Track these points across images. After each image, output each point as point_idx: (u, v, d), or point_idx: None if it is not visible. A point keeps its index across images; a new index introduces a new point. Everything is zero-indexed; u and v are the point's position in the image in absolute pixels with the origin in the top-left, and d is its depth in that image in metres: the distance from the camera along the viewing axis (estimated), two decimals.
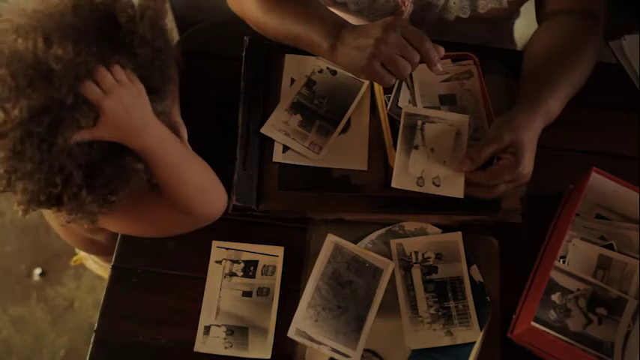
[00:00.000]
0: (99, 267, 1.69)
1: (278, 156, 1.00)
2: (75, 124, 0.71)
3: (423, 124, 0.94)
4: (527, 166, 0.89)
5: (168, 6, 1.65)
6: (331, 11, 0.99)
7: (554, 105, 0.94)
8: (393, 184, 0.91)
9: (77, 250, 1.67)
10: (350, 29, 0.91)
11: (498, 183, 0.89)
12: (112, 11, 0.75)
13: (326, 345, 0.89)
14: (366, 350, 0.90)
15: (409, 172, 0.91)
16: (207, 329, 0.91)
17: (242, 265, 0.95)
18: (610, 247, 0.94)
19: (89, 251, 1.48)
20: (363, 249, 0.95)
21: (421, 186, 0.91)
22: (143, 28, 0.75)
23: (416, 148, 0.93)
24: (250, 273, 0.94)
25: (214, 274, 0.94)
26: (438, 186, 0.90)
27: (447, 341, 0.91)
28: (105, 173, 0.76)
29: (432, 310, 0.93)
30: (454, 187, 0.90)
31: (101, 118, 0.73)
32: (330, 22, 0.94)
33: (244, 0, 1.02)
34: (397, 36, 0.86)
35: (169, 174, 0.82)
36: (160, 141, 0.79)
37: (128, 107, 0.74)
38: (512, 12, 1.14)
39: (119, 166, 0.78)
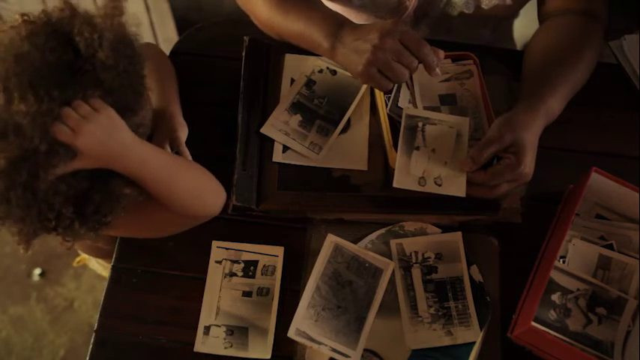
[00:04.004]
0: (102, 268, 1.69)
1: (278, 156, 1.00)
2: (54, 167, 0.71)
3: (423, 125, 0.94)
4: (528, 165, 0.89)
5: (167, 5, 1.65)
6: (332, 10, 0.98)
7: (554, 105, 0.94)
8: (395, 184, 0.91)
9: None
10: (350, 29, 0.91)
11: (499, 183, 0.89)
12: (68, 34, 0.73)
13: (326, 345, 0.89)
14: (366, 350, 0.90)
15: (411, 172, 0.91)
16: (207, 329, 0.91)
17: (242, 265, 0.95)
18: (610, 247, 0.94)
19: (94, 255, 1.48)
20: (363, 249, 0.95)
21: (423, 185, 0.91)
22: (104, 53, 0.72)
23: (417, 149, 0.93)
24: (250, 273, 0.94)
25: (214, 274, 0.94)
26: (439, 185, 0.90)
27: (447, 341, 0.91)
28: (94, 201, 0.76)
29: (432, 310, 0.93)
30: (456, 186, 0.90)
31: (78, 154, 0.72)
32: (331, 21, 0.94)
33: None
34: (394, 42, 0.86)
35: (160, 187, 0.82)
36: (144, 160, 0.78)
37: (102, 138, 0.73)
38: (515, 10, 1.14)
39: (107, 191, 0.77)
